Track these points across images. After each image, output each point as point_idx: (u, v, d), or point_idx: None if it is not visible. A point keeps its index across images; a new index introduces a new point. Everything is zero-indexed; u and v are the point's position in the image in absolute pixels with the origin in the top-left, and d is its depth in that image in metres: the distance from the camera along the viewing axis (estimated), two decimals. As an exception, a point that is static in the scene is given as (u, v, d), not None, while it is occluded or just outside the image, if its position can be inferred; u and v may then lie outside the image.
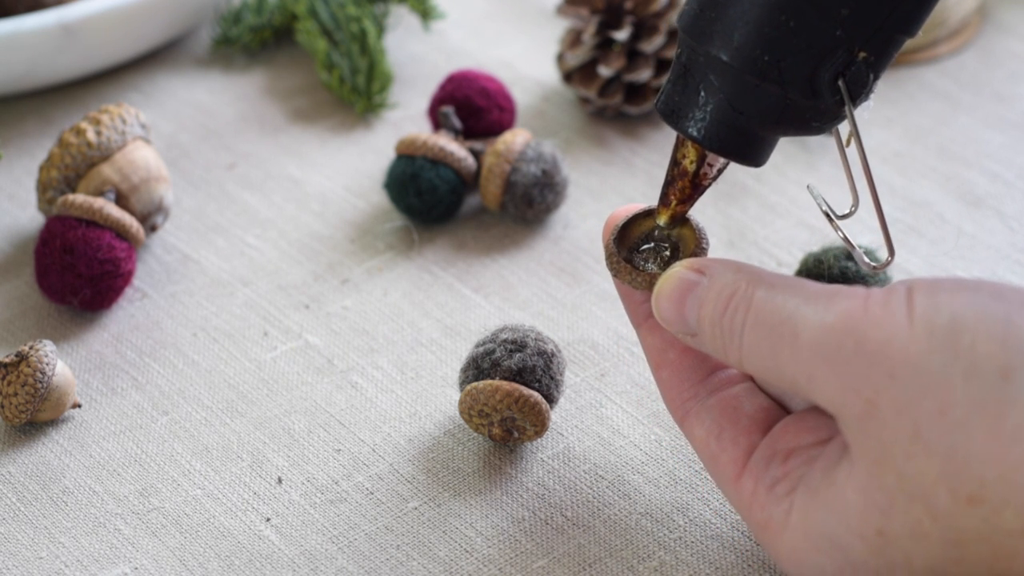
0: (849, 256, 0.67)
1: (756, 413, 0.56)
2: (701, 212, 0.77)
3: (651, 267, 0.58)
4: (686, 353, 0.58)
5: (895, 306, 0.50)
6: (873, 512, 0.50)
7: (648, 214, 0.59)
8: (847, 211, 0.60)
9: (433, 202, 0.75)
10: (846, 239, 0.58)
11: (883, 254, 0.70)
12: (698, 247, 0.58)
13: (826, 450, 0.53)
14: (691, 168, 0.57)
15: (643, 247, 0.59)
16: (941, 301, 0.49)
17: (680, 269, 0.56)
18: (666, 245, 0.59)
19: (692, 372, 0.58)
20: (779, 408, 0.57)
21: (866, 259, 0.63)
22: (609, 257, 0.59)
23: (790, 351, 0.51)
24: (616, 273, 0.59)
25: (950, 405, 0.48)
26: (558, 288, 0.73)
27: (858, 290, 0.51)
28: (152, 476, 0.65)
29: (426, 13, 0.88)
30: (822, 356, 0.50)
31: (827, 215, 0.59)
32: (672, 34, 0.82)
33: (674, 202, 0.58)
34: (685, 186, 0.57)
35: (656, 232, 0.59)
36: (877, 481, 0.50)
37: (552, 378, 0.64)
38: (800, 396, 0.53)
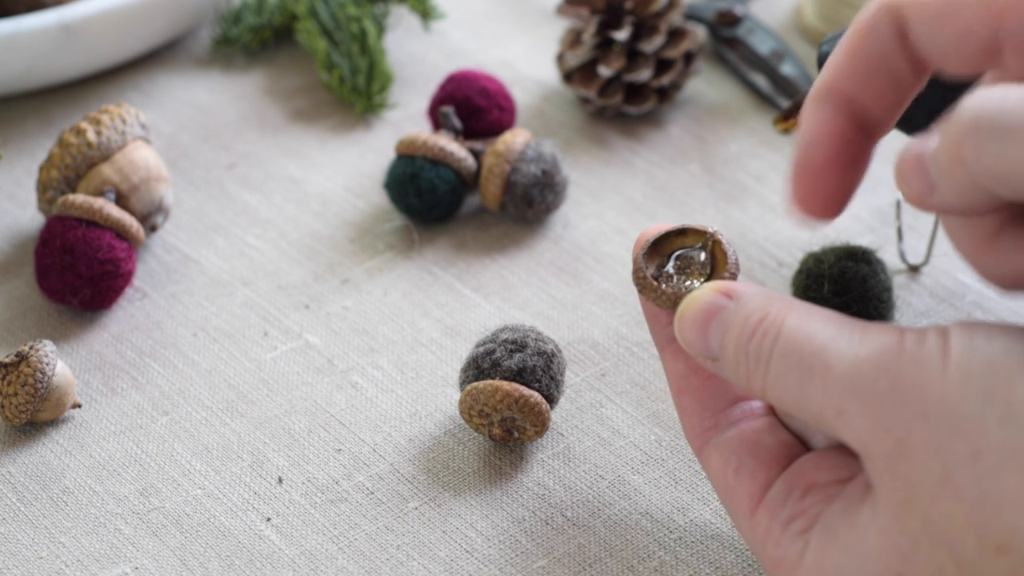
0: (850, 255, 0.67)
1: (776, 448, 0.55)
2: (701, 212, 0.77)
3: (679, 286, 0.57)
4: (709, 381, 0.57)
5: (931, 347, 0.48)
6: (894, 556, 0.49)
7: (680, 233, 0.58)
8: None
9: (433, 202, 0.75)
10: (899, 230, 0.70)
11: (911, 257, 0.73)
12: (728, 272, 0.57)
13: (846, 489, 0.52)
14: None
15: (672, 266, 0.58)
16: (977, 344, 0.48)
17: (706, 291, 0.54)
18: (696, 266, 0.58)
19: (714, 401, 0.56)
20: (800, 445, 0.55)
21: (907, 257, 0.67)
22: (636, 272, 0.58)
23: (820, 384, 0.50)
24: (641, 289, 0.57)
25: (983, 450, 0.47)
26: (558, 288, 0.73)
27: (892, 327, 0.50)
28: (152, 476, 0.65)
29: (426, 13, 0.88)
30: (854, 391, 0.49)
31: (898, 203, 0.69)
32: (672, 34, 0.82)
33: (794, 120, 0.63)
34: None
35: (687, 252, 0.58)
36: (901, 524, 0.48)
37: (552, 378, 0.64)
38: (825, 430, 0.52)
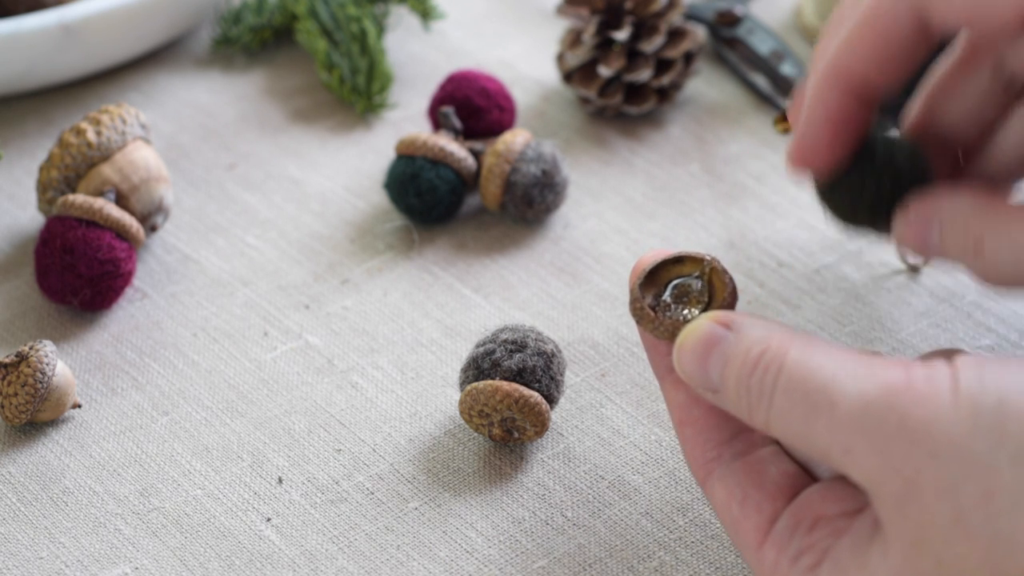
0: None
1: (781, 479, 0.54)
2: (701, 212, 0.77)
3: (676, 316, 0.56)
4: (711, 411, 0.56)
5: (939, 383, 0.48)
6: None
7: (677, 261, 0.58)
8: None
9: (433, 202, 0.75)
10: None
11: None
12: (725, 300, 0.56)
13: (855, 523, 0.51)
14: None
15: (669, 295, 0.57)
16: (987, 381, 0.47)
17: (705, 321, 0.53)
18: (694, 294, 0.57)
19: (717, 431, 0.55)
20: (805, 475, 0.54)
21: (907, 257, 0.71)
22: (633, 302, 0.57)
23: (826, 421, 0.49)
24: (639, 320, 0.57)
25: (995, 490, 0.46)
26: (558, 288, 0.73)
27: (898, 360, 0.49)
28: (152, 476, 0.65)
29: (426, 13, 0.88)
30: (861, 430, 0.48)
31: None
32: (672, 34, 0.82)
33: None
34: None
35: (684, 280, 0.57)
36: (913, 565, 0.48)
37: (552, 378, 0.64)
38: (832, 467, 0.51)
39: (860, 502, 0.51)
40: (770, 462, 0.54)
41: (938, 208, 0.55)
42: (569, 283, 0.73)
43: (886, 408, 0.48)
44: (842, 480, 0.52)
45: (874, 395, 0.48)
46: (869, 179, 0.56)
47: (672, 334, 0.56)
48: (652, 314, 0.56)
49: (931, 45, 0.55)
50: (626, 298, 0.72)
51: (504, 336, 0.65)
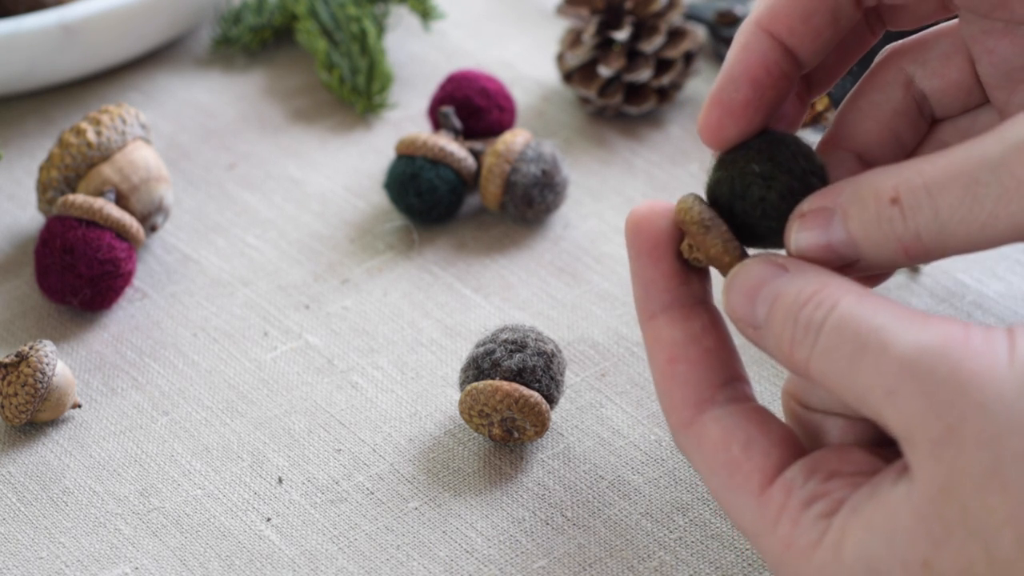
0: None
1: (788, 433, 0.53)
2: (701, 212, 0.77)
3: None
4: (709, 352, 0.54)
5: (997, 343, 0.48)
6: (924, 540, 0.48)
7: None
8: None
9: (433, 202, 0.75)
10: None
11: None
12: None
13: (876, 477, 0.50)
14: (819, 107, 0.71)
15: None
16: None
17: (762, 260, 0.53)
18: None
19: (711, 373, 0.54)
20: (800, 443, 0.53)
21: None
22: (696, 213, 0.53)
23: (874, 361, 0.49)
24: (706, 231, 0.53)
25: None
26: (558, 288, 0.73)
27: (957, 320, 0.49)
28: (152, 476, 0.65)
29: (426, 13, 0.88)
30: (911, 373, 0.48)
31: None
32: (672, 34, 0.82)
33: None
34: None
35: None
36: (938, 509, 0.48)
37: (552, 378, 0.64)
38: (863, 410, 0.50)
39: (875, 466, 0.51)
40: (770, 418, 0.53)
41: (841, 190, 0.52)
42: (569, 283, 0.73)
43: (940, 355, 0.48)
44: (855, 447, 0.52)
45: (928, 343, 0.48)
46: (766, 165, 0.53)
47: (724, 250, 0.53)
48: (726, 230, 0.53)
49: (857, 16, 0.55)
50: (626, 297, 0.72)
51: (504, 336, 0.65)
